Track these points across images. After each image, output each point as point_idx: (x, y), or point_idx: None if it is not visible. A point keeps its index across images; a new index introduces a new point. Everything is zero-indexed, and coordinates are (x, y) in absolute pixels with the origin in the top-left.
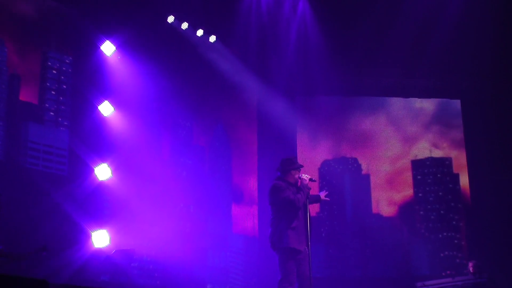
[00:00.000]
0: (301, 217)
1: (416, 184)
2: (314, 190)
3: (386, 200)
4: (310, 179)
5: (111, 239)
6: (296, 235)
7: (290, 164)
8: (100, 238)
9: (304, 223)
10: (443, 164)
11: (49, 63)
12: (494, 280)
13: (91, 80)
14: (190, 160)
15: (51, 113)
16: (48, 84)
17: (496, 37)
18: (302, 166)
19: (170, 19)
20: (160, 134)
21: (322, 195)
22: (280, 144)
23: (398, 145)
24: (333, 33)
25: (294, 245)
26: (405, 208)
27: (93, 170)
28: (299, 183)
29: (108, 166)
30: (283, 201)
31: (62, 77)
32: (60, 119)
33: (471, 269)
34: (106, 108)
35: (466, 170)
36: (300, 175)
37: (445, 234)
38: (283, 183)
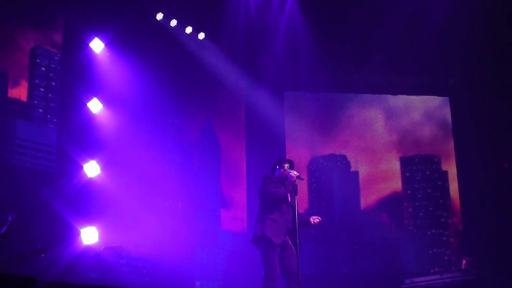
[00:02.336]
0: (285, 212)
1: (405, 181)
2: (303, 188)
3: (374, 197)
4: (298, 177)
5: (100, 236)
6: (274, 227)
7: (278, 161)
8: (89, 235)
9: (288, 218)
10: (432, 161)
11: (38, 60)
12: (482, 277)
13: (80, 77)
14: (178, 157)
15: (40, 110)
16: (37, 81)
17: (484, 33)
18: (287, 161)
19: (159, 16)
20: (149, 131)
21: (312, 220)
22: (269, 140)
23: (387, 142)
24: (322, 30)
25: (269, 235)
26: (394, 205)
27: (82, 167)
28: (287, 179)
29: (97, 163)
30: (266, 193)
31: (51, 74)
32: (48, 116)
33: (463, 265)
34: (95, 105)
35: (455, 167)
36: (289, 171)
37: (433, 231)
38: (273, 178)
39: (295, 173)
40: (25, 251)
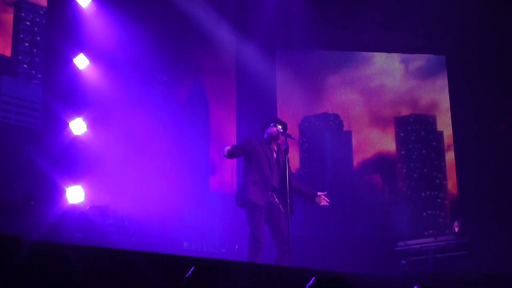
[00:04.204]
0: (266, 172)
1: (399, 141)
2: (294, 148)
3: (367, 158)
4: (288, 136)
5: (85, 195)
6: (255, 189)
7: (266, 122)
8: (75, 194)
9: (272, 179)
10: (427, 121)
11: (22, 14)
12: (477, 240)
13: (66, 32)
14: (167, 114)
15: (24, 66)
16: (21, 35)
17: None
18: (277, 121)
19: None
20: (137, 88)
21: (318, 199)
22: (259, 98)
23: (381, 102)
24: None
25: (251, 198)
26: (387, 167)
27: (68, 125)
28: (277, 137)
29: (83, 120)
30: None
31: (36, 29)
32: (33, 72)
33: (456, 228)
34: (81, 61)
35: (451, 127)
36: (274, 128)
37: (428, 193)
38: (255, 137)
39: (279, 127)
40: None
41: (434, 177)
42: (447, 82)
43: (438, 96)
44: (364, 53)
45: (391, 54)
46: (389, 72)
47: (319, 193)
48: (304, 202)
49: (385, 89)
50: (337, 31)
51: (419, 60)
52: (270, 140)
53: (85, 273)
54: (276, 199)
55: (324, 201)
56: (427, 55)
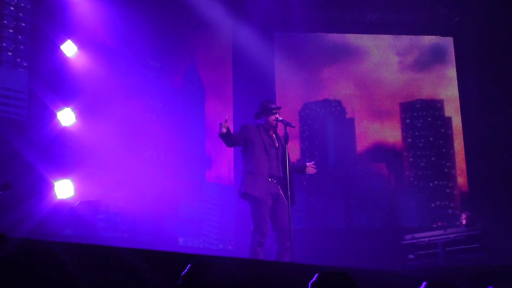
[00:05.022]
0: (262, 162)
1: (405, 128)
2: (294, 136)
3: (372, 146)
4: (288, 124)
5: (75, 190)
6: (252, 180)
7: (263, 107)
8: (64, 189)
9: (272, 168)
10: (434, 106)
11: None
12: (488, 232)
13: (52, 18)
14: (160, 102)
15: (9, 53)
16: (5, 21)
17: None
18: (277, 108)
19: None
20: (128, 75)
21: (307, 169)
22: (257, 84)
23: (386, 87)
24: None
25: (248, 191)
26: (393, 155)
27: (56, 115)
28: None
29: (72, 110)
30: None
31: (21, 14)
32: (18, 59)
33: (463, 221)
34: (69, 48)
35: (459, 113)
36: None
37: (436, 182)
38: (252, 125)
39: (278, 116)
40: None
41: (442, 166)
42: (454, 65)
43: (445, 80)
44: (367, 35)
45: (396, 36)
46: (394, 55)
47: (307, 164)
48: (296, 174)
49: (390, 73)
50: (339, 12)
51: (425, 42)
52: (268, 127)
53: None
54: (281, 190)
55: (312, 169)
56: (433, 37)
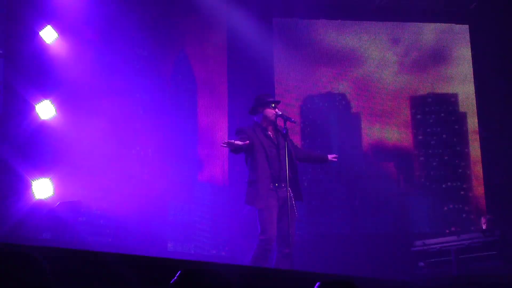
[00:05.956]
0: (263, 167)
1: (416, 125)
2: (295, 132)
3: (379, 144)
4: (288, 119)
5: (54, 189)
6: (255, 191)
7: (260, 100)
8: (42, 188)
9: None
10: (448, 101)
11: None
12: (506, 238)
13: (31, 1)
14: (147, 94)
15: None
16: None
17: None
18: (276, 101)
19: None
20: (113, 65)
21: (331, 156)
22: (255, 76)
23: (395, 80)
24: None
25: (251, 204)
26: (402, 154)
27: (34, 108)
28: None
29: (52, 102)
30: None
31: None
32: None
33: (484, 225)
34: (48, 34)
35: (475, 108)
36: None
37: (449, 184)
38: (245, 127)
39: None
40: None
41: (456, 166)
42: (470, 55)
43: (460, 72)
44: (374, 22)
45: (406, 23)
46: (404, 45)
47: (329, 156)
48: (316, 164)
49: (399, 65)
50: None
51: (438, 31)
52: (266, 124)
53: (55, 279)
54: (290, 192)
55: (335, 159)
56: (447, 25)
